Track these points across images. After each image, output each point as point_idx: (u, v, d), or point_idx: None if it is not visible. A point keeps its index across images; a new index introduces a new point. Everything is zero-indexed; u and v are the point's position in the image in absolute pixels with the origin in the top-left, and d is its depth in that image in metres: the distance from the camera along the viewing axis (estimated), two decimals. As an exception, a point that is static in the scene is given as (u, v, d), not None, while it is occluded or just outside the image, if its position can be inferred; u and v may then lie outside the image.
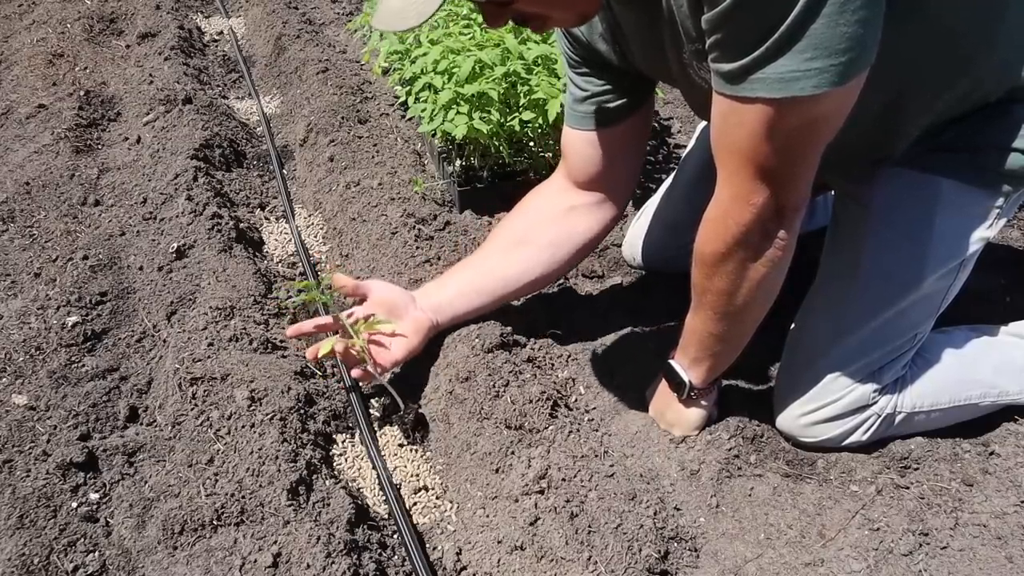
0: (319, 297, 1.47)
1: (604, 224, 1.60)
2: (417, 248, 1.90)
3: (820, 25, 0.94)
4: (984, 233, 1.33)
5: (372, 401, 1.63)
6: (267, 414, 1.43)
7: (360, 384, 1.62)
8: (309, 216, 2.30)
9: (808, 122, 1.05)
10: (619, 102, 1.45)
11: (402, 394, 1.55)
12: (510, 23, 1.15)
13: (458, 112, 2.02)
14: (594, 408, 1.57)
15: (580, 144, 1.52)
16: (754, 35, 0.98)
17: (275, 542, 1.23)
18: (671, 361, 1.43)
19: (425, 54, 2.18)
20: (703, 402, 1.44)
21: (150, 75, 2.91)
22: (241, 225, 2.12)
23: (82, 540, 1.26)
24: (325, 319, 1.54)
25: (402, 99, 2.52)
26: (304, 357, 1.69)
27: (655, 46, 1.27)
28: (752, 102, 1.03)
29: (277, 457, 1.35)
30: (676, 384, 1.42)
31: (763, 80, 1.00)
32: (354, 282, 1.51)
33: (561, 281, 1.89)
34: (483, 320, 1.59)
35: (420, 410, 1.55)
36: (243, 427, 1.42)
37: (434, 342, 1.61)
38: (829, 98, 1.01)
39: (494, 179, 2.17)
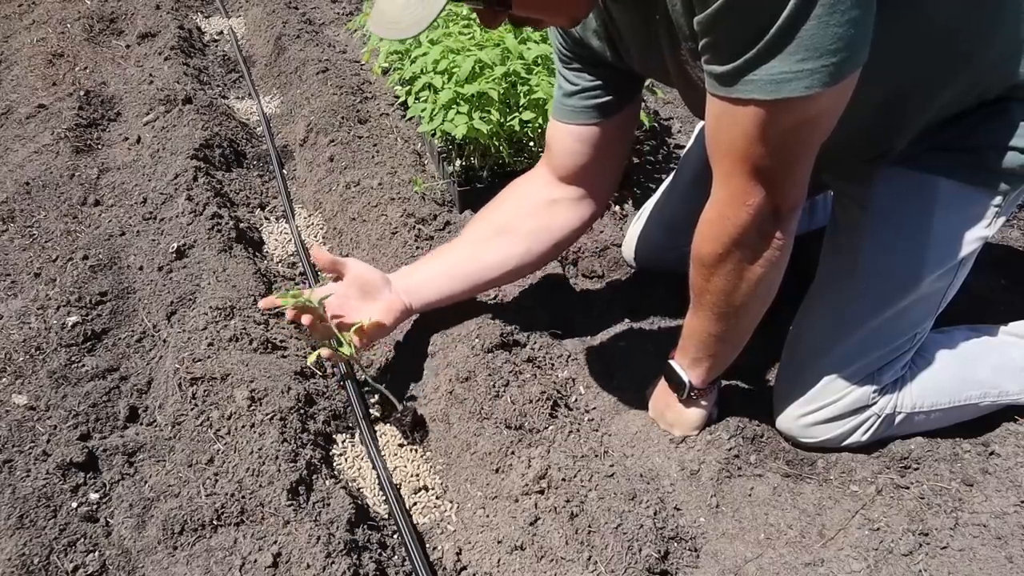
0: (311, 304, 1.47)
1: (584, 220, 1.60)
2: (417, 248, 1.90)
3: (810, 26, 0.94)
4: (983, 232, 1.33)
5: (371, 401, 1.63)
6: (267, 414, 1.43)
7: (352, 375, 1.61)
8: (309, 216, 2.30)
9: (801, 123, 1.05)
10: (608, 98, 1.45)
11: (400, 394, 1.55)
12: (506, 23, 1.15)
13: (458, 112, 2.02)
14: (594, 408, 1.57)
15: (565, 138, 1.52)
16: (745, 37, 0.98)
17: (275, 542, 1.23)
18: (671, 361, 1.43)
19: (425, 54, 2.18)
20: (703, 402, 1.44)
21: (150, 75, 2.91)
22: (241, 225, 2.12)
23: (82, 540, 1.26)
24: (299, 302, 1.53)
25: (402, 99, 2.52)
26: (304, 357, 1.69)
27: (651, 45, 1.27)
28: (745, 104, 1.03)
29: (277, 457, 1.35)
30: (676, 384, 1.42)
31: (755, 82, 1.00)
32: (331, 258, 1.50)
33: (561, 281, 1.89)
34: (470, 314, 1.60)
35: (418, 410, 1.55)
36: (243, 427, 1.42)
37: (426, 339, 1.61)
38: (822, 99, 1.01)
39: (494, 179, 2.17)
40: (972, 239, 1.33)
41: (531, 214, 1.58)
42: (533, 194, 1.59)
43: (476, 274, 1.58)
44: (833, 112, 1.06)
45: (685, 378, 1.40)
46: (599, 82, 1.44)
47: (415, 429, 1.54)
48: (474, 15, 2.31)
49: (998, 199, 1.31)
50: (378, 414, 1.60)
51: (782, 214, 1.15)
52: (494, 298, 1.75)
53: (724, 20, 0.98)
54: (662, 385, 1.47)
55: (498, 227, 1.59)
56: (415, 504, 1.44)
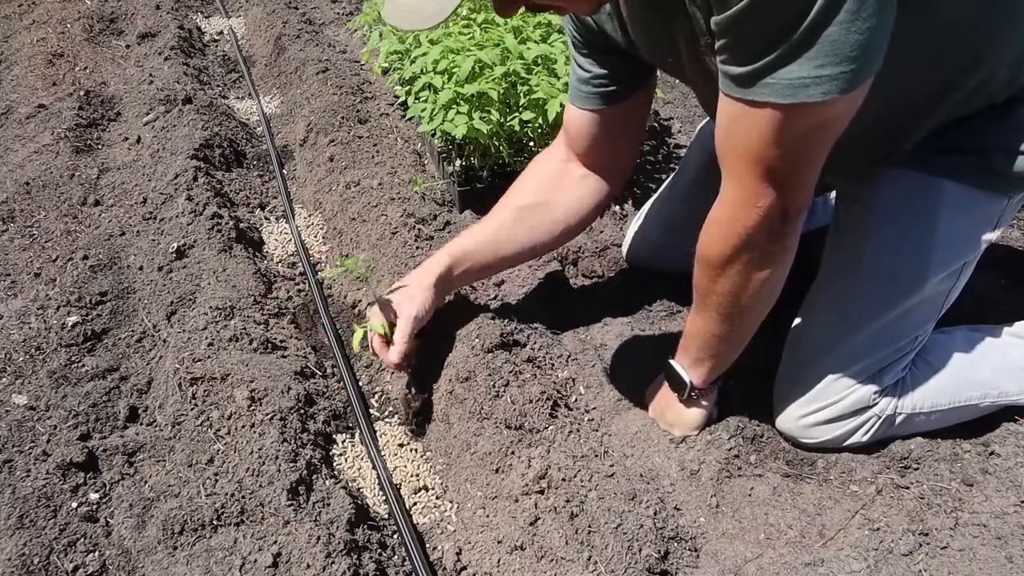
0: (359, 271, 1.52)
1: (602, 197, 1.62)
2: (417, 248, 1.90)
3: (833, 32, 0.94)
4: (987, 235, 1.33)
5: (372, 400, 1.63)
6: (267, 414, 1.43)
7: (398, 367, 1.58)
8: (309, 216, 2.30)
9: (816, 127, 1.05)
10: (617, 86, 1.46)
11: (410, 383, 1.57)
12: (522, 10, 1.15)
13: (458, 112, 2.02)
14: (594, 408, 1.56)
15: (582, 121, 1.54)
16: (765, 39, 0.98)
17: (275, 542, 1.23)
18: (672, 361, 1.43)
19: (425, 54, 2.17)
20: (703, 402, 1.44)
21: (150, 75, 2.91)
22: (241, 225, 2.12)
23: (82, 540, 1.26)
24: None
25: (402, 99, 2.52)
26: (305, 357, 1.69)
27: (664, 38, 1.27)
28: (761, 106, 1.04)
29: (277, 457, 1.35)
30: (677, 384, 1.42)
31: (773, 85, 1.01)
32: (407, 352, 1.48)
33: (561, 281, 1.89)
34: (470, 314, 1.61)
35: (430, 397, 1.55)
36: (243, 427, 1.42)
37: (426, 339, 1.61)
38: (838, 104, 1.01)
39: (494, 179, 2.17)
40: (977, 242, 1.33)
41: (554, 194, 1.60)
42: (554, 173, 1.62)
43: (508, 255, 1.61)
44: (846, 116, 1.07)
45: (686, 378, 1.40)
46: (607, 71, 1.45)
47: (419, 415, 1.54)
48: (475, 14, 2.31)
49: (1003, 202, 1.31)
50: (378, 414, 1.60)
51: (791, 215, 1.15)
52: (494, 298, 1.75)
53: (745, 21, 0.98)
54: (662, 385, 1.47)
55: (524, 207, 1.61)
56: (415, 504, 1.44)
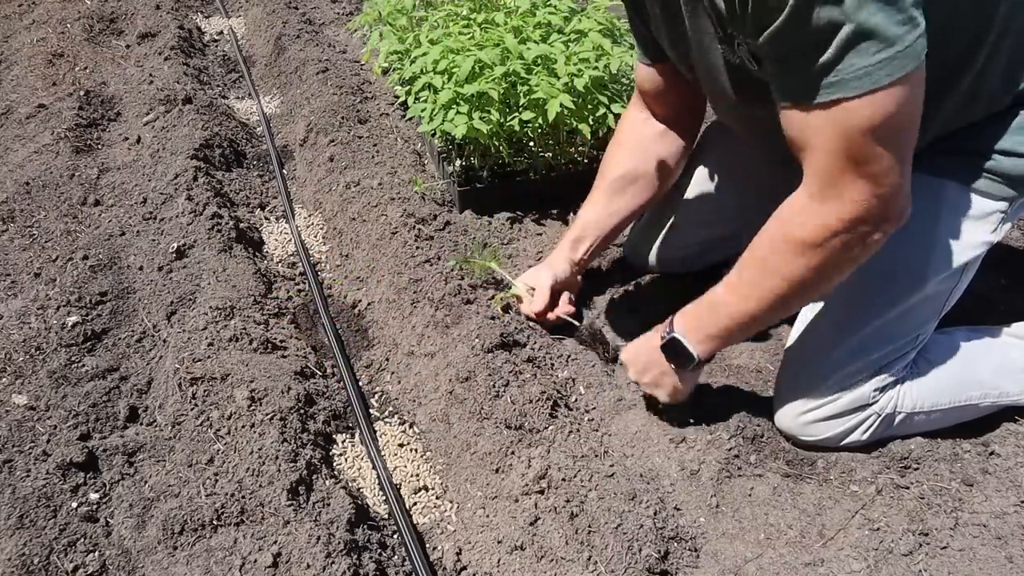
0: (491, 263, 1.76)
1: (683, 150, 1.71)
2: (417, 248, 1.90)
3: (879, 20, 0.98)
4: (988, 237, 1.33)
5: (372, 400, 1.63)
6: (267, 414, 1.43)
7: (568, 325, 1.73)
8: (309, 216, 2.30)
9: (892, 114, 1.06)
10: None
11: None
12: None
13: (458, 112, 2.02)
14: (594, 408, 1.56)
15: (647, 76, 1.61)
16: (817, 43, 1.01)
17: (275, 542, 1.23)
18: (677, 336, 1.38)
19: (425, 54, 2.17)
20: (698, 372, 1.43)
21: (150, 75, 2.91)
22: (241, 225, 2.12)
23: (82, 540, 1.26)
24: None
25: (402, 99, 2.52)
26: (305, 357, 1.69)
27: (676, 27, 1.28)
28: (832, 106, 1.06)
29: (277, 457, 1.35)
30: (680, 358, 1.38)
31: (838, 83, 1.04)
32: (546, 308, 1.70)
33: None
34: (470, 315, 1.60)
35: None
36: (243, 427, 1.42)
37: (429, 337, 1.61)
38: (910, 80, 1.03)
39: (494, 179, 2.17)
40: (977, 243, 1.33)
41: (646, 156, 1.69)
42: (641, 135, 1.69)
43: (617, 224, 1.75)
44: (917, 98, 1.08)
45: (694, 352, 1.36)
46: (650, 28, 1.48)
47: (604, 345, 1.70)
48: (475, 15, 2.31)
49: (1004, 204, 1.31)
50: (378, 414, 1.60)
51: (890, 214, 1.14)
52: (493, 297, 1.75)
53: (792, 31, 1.02)
54: (656, 356, 1.42)
55: (621, 178, 1.71)
56: (415, 504, 1.44)
